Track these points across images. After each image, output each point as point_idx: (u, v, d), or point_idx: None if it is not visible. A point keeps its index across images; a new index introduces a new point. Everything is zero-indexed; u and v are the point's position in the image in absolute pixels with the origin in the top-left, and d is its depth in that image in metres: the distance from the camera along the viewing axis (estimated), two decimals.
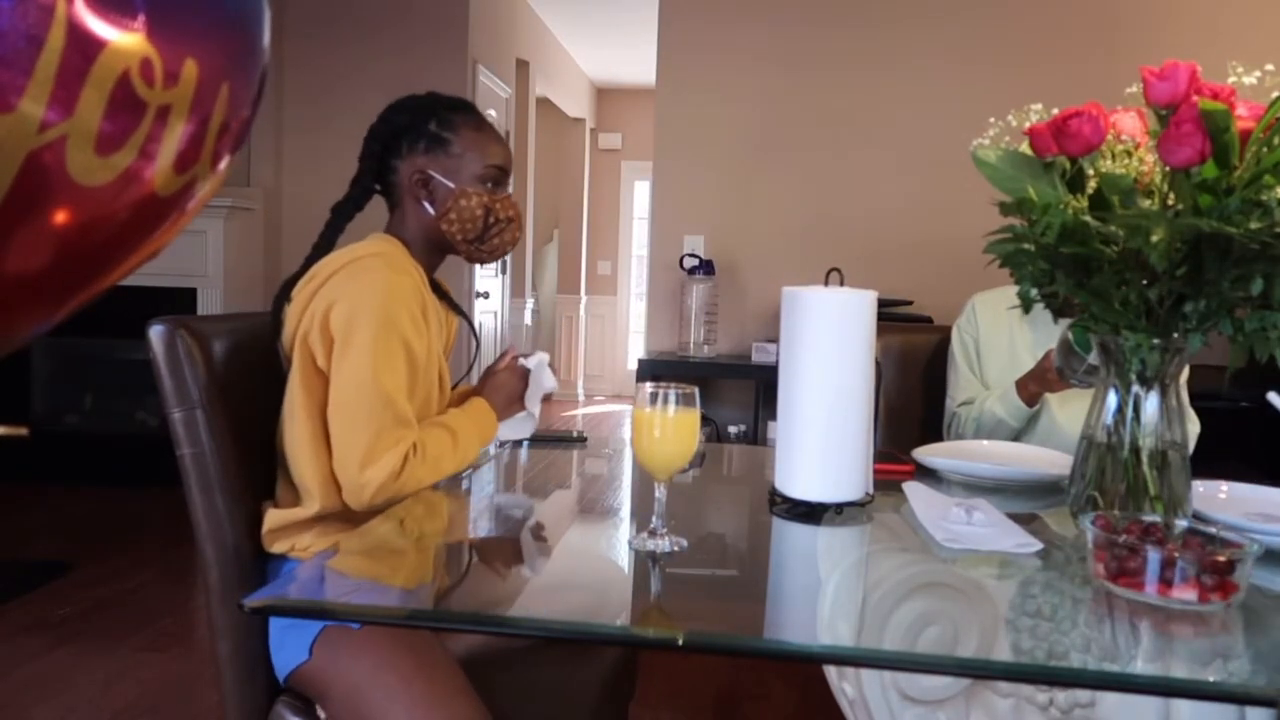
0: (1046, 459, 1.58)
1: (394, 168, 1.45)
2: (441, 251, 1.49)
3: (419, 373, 1.36)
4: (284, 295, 1.38)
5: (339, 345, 1.29)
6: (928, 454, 1.55)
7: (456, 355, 1.69)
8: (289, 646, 1.27)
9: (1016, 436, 1.95)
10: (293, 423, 1.32)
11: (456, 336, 1.62)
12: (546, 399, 1.71)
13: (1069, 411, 1.90)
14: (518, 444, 1.67)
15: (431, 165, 1.43)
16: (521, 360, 1.55)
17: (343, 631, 1.25)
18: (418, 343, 1.34)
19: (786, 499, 1.24)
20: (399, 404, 1.30)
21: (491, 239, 1.47)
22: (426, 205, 1.44)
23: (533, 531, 1.26)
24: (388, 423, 1.28)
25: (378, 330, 1.29)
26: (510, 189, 1.51)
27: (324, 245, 1.41)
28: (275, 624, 1.30)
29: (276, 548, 1.33)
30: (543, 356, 1.57)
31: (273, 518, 1.32)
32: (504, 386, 1.53)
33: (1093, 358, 1.60)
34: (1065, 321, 1.67)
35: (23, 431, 4.35)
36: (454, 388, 1.56)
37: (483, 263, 1.52)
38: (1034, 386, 1.87)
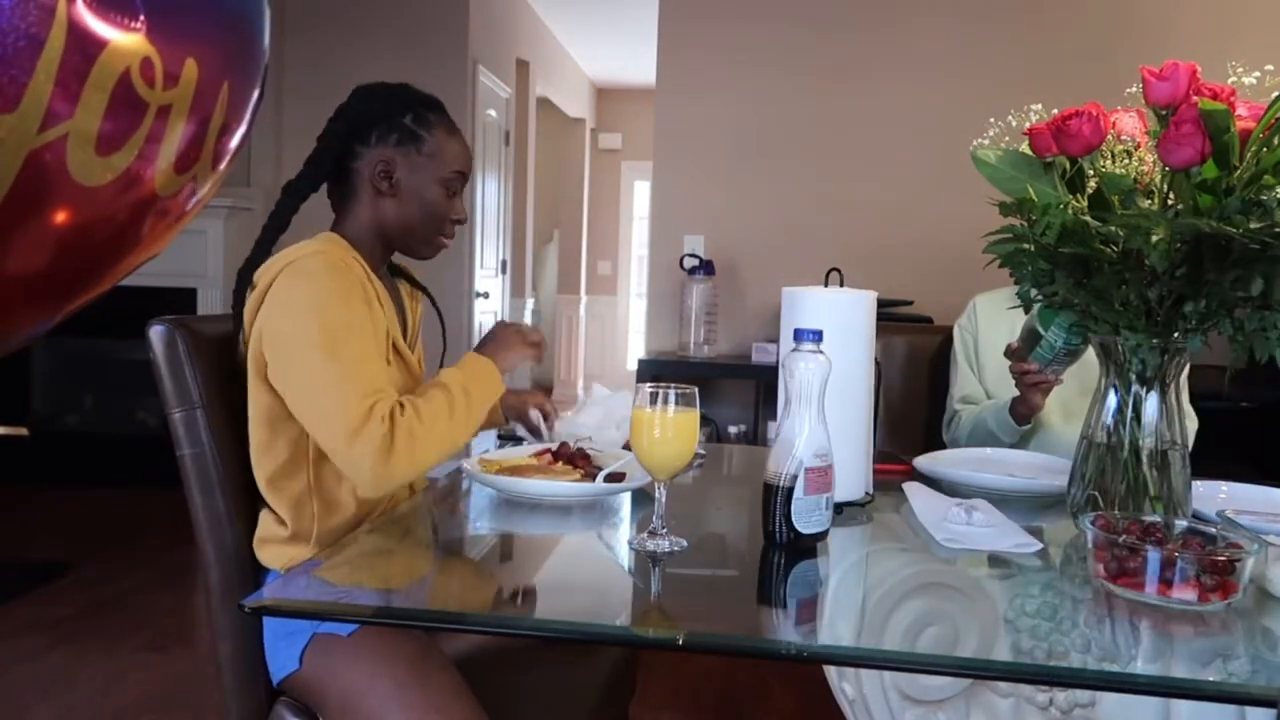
0: (1048, 466, 1.56)
1: (357, 153, 1.40)
2: (389, 246, 1.44)
3: (380, 348, 1.31)
4: (241, 294, 1.33)
5: (283, 357, 1.24)
6: (928, 463, 1.53)
7: (434, 342, 1.65)
8: (280, 656, 1.26)
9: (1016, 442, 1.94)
10: (252, 434, 1.30)
11: (422, 318, 1.57)
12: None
13: (1071, 417, 1.89)
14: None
15: (399, 158, 1.39)
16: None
17: (333, 639, 1.23)
18: (368, 326, 1.29)
19: None
20: (361, 371, 1.23)
21: (437, 239, 1.44)
22: (385, 197, 1.39)
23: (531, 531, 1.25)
24: (352, 394, 1.20)
25: (318, 333, 1.23)
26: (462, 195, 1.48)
27: (274, 225, 1.38)
28: (268, 632, 1.29)
29: (263, 558, 1.31)
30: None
31: (262, 526, 1.31)
32: (497, 337, 1.43)
33: (1051, 335, 1.52)
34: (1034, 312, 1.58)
35: (23, 432, 4.35)
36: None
37: (419, 258, 1.48)
38: (1022, 408, 1.84)
